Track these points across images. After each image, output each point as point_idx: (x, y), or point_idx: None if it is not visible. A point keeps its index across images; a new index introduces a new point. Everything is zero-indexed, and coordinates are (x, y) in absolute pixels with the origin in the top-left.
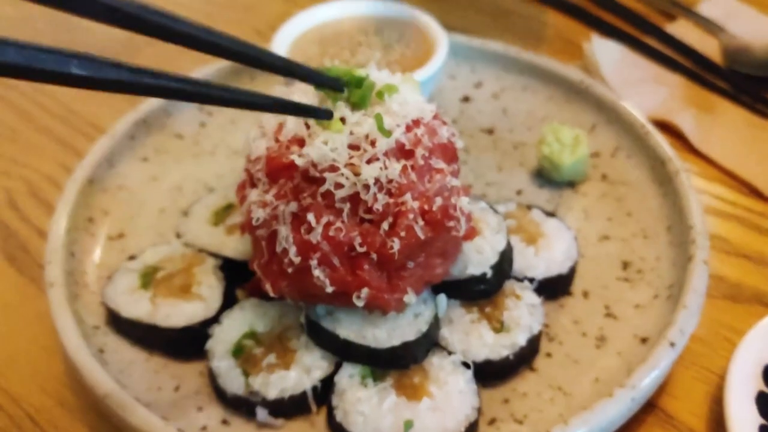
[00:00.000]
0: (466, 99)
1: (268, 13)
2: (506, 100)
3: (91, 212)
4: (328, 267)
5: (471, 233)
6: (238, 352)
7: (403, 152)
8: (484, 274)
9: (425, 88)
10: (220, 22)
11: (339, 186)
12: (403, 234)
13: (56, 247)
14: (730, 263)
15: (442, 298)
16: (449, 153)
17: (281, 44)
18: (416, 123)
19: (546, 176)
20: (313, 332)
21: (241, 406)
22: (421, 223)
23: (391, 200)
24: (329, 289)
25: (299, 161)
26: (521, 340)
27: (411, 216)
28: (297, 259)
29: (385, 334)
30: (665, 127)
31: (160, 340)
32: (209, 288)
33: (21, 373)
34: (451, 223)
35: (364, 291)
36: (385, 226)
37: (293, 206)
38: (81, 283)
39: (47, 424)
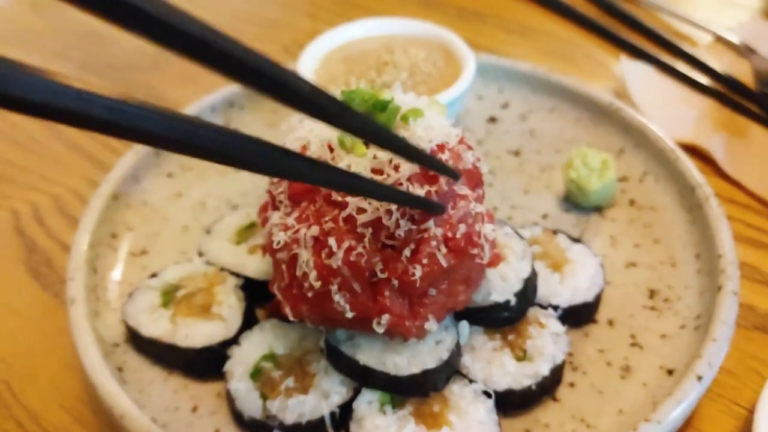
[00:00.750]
0: (492, 120)
1: (295, 30)
2: (533, 121)
3: (115, 228)
4: (349, 292)
5: (495, 260)
6: (257, 374)
7: (426, 178)
8: (507, 302)
9: (452, 108)
10: (247, 37)
11: (361, 211)
12: (425, 261)
13: (79, 262)
14: (761, 292)
15: (464, 325)
16: (474, 178)
17: (308, 63)
18: (441, 148)
19: (573, 200)
20: (333, 357)
21: (259, 429)
22: (444, 250)
23: (414, 227)
24: (349, 315)
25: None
26: (544, 369)
27: (434, 243)
28: (317, 284)
29: (405, 361)
30: (694, 152)
31: (179, 359)
32: (229, 308)
33: (41, 390)
34: (475, 251)
35: (385, 317)
36: (407, 252)
37: (314, 230)
38: (102, 299)
39: None
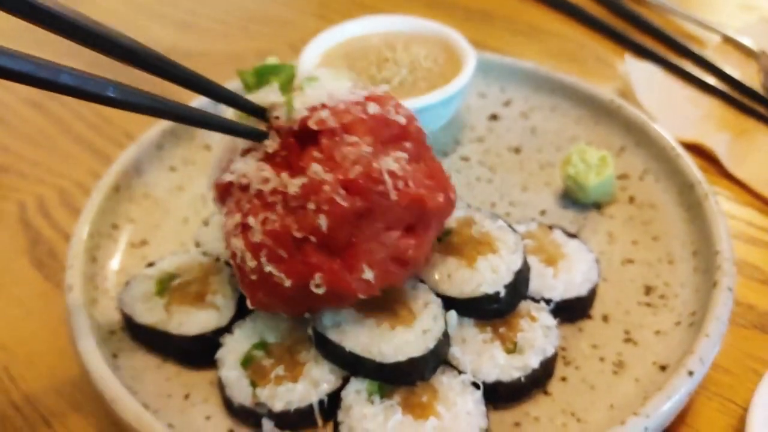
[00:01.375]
0: (494, 117)
1: (302, 28)
2: (535, 119)
3: (116, 219)
4: (278, 261)
5: (422, 199)
6: (248, 362)
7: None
8: (497, 293)
9: (451, 104)
10: (256, 36)
11: (265, 181)
12: (326, 208)
13: (78, 251)
14: (761, 291)
15: (452, 314)
16: (381, 129)
17: (309, 59)
18: (315, 108)
19: (571, 197)
20: (320, 344)
21: (248, 417)
22: (343, 192)
23: (305, 180)
24: (287, 283)
25: (230, 177)
26: (534, 362)
27: (327, 188)
28: (252, 264)
29: (391, 348)
30: (698, 151)
31: (173, 347)
32: (224, 297)
33: (39, 376)
34: (380, 188)
35: (318, 276)
36: (311, 206)
37: (237, 217)
38: (101, 288)
39: (61, 427)
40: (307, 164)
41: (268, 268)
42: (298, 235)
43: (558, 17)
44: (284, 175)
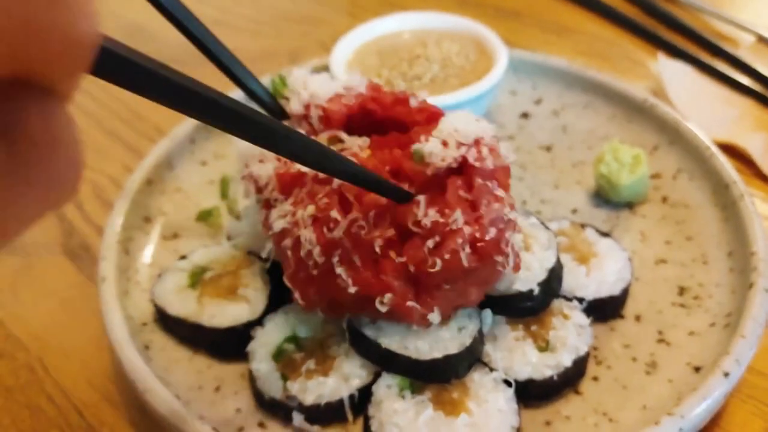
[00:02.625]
0: (525, 115)
1: (334, 26)
2: (567, 117)
3: (148, 212)
4: (351, 266)
5: (516, 268)
6: (279, 355)
7: (459, 171)
8: (530, 291)
9: (483, 101)
10: (288, 34)
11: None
12: (447, 257)
13: (111, 243)
14: None
15: (487, 312)
16: (506, 178)
17: (341, 55)
18: (477, 143)
19: (603, 196)
20: (355, 340)
21: (278, 410)
22: (469, 251)
23: (442, 219)
24: (352, 290)
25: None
26: (566, 360)
27: (459, 241)
28: (321, 259)
29: (427, 345)
30: (732, 151)
31: (204, 339)
32: (255, 291)
33: (72, 367)
34: (500, 258)
35: (387, 296)
36: (430, 243)
37: (311, 209)
38: (133, 280)
39: (92, 417)
40: (451, 203)
41: (340, 270)
42: (379, 250)
43: (589, 16)
44: (422, 199)
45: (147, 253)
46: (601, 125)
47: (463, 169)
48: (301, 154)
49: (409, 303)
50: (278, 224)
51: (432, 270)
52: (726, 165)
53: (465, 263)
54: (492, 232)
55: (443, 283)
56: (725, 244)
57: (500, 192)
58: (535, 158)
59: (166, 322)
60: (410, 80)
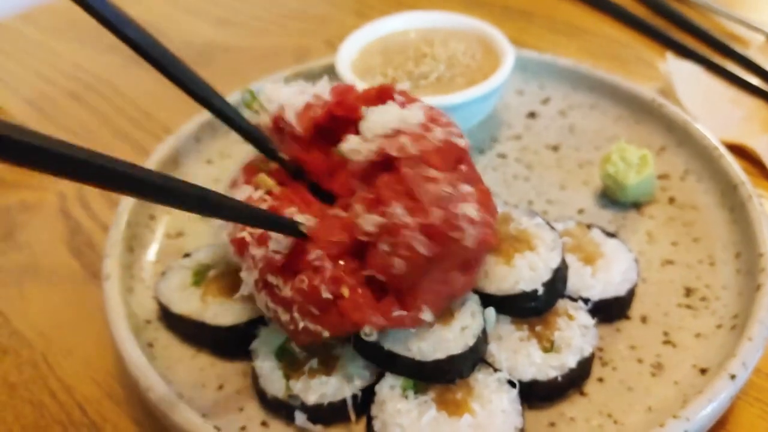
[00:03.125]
0: (532, 115)
1: (340, 25)
2: (574, 117)
3: (153, 210)
4: (311, 316)
5: (490, 240)
6: (282, 354)
7: (384, 166)
8: (535, 291)
9: (489, 101)
10: (294, 32)
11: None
12: (405, 253)
13: (116, 240)
14: None
15: (490, 311)
16: (448, 156)
17: (346, 54)
18: (396, 132)
19: (610, 196)
20: (358, 342)
21: (281, 409)
22: (422, 238)
23: (383, 219)
24: (326, 334)
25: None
26: (571, 361)
27: (408, 232)
28: (286, 317)
29: (430, 346)
30: (740, 152)
31: (208, 337)
32: None
33: (76, 364)
34: (456, 234)
35: (367, 327)
36: (384, 246)
37: (256, 274)
38: (137, 277)
39: (95, 414)
40: (385, 200)
41: (302, 324)
42: (327, 295)
43: (599, 16)
44: (359, 207)
45: (152, 251)
46: (608, 125)
47: (390, 162)
48: (185, 204)
49: (395, 313)
50: (244, 289)
51: (397, 271)
52: (734, 166)
53: (424, 251)
54: (437, 213)
55: (417, 279)
56: (733, 246)
57: (433, 172)
58: (541, 158)
59: (170, 319)
60: (416, 79)
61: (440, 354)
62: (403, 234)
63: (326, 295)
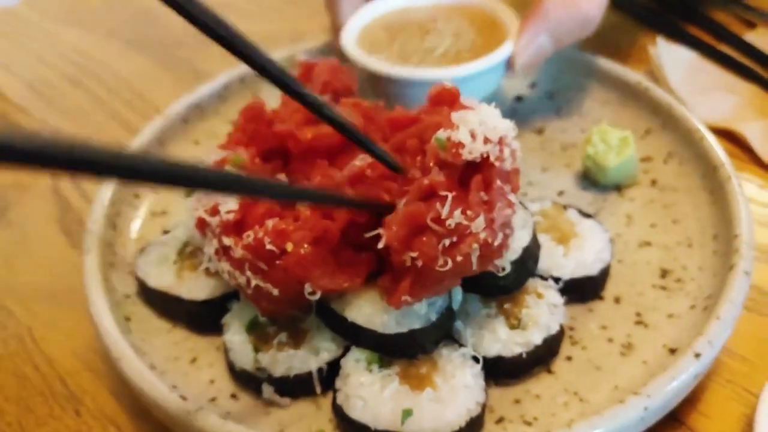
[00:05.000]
0: (519, 99)
1: None
2: (560, 100)
3: (139, 189)
4: (261, 273)
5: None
6: (252, 327)
7: (477, 168)
8: (503, 269)
9: (497, 74)
10: (291, 17)
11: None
12: (459, 259)
13: (98, 217)
14: None
15: (457, 290)
16: (517, 181)
17: (350, 33)
18: (501, 141)
19: (591, 179)
20: (322, 313)
21: (249, 381)
22: (478, 253)
23: (465, 222)
24: (275, 293)
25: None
26: (537, 338)
27: (475, 245)
28: (242, 279)
29: (393, 320)
30: (731, 137)
31: (183, 311)
32: None
33: (59, 338)
34: (499, 263)
35: (308, 285)
36: (446, 242)
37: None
38: (119, 254)
39: (75, 386)
40: (471, 205)
41: (254, 282)
42: (271, 247)
43: None
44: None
45: (134, 228)
46: (594, 108)
47: (482, 167)
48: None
49: (403, 297)
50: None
51: (439, 268)
52: (716, 147)
53: (474, 267)
54: (500, 238)
55: (441, 279)
56: (711, 228)
57: (512, 197)
58: (525, 141)
59: (147, 294)
60: (422, 54)
61: (402, 328)
62: (470, 244)
63: (270, 247)
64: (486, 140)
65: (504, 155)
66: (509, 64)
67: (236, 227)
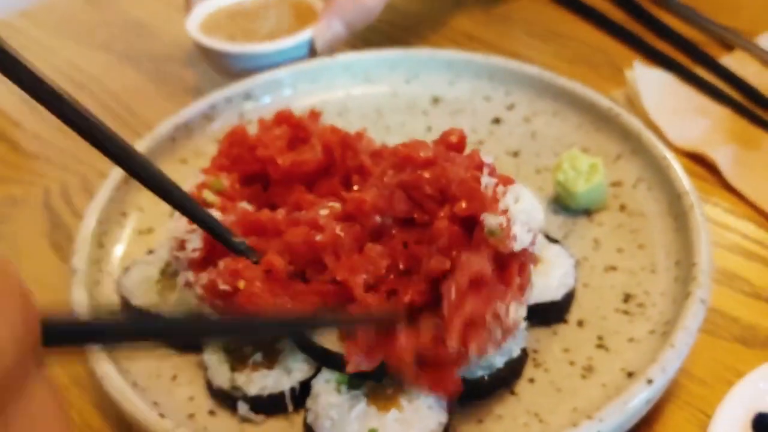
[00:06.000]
0: (497, 121)
1: None
2: (537, 124)
3: (126, 207)
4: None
5: None
6: (229, 347)
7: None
8: None
9: (299, 51)
10: None
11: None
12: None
13: (86, 236)
14: (747, 305)
15: None
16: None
17: (197, 15)
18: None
19: (561, 203)
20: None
21: (226, 399)
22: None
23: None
24: None
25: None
26: (498, 362)
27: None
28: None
29: None
30: (702, 161)
31: None
32: None
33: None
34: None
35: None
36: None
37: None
38: (105, 271)
39: (63, 400)
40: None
41: None
42: (224, 287)
43: (578, 22)
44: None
45: (120, 247)
46: (568, 133)
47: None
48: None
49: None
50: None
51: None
52: (681, 175)
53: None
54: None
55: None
56: (674, 254)
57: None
58: (501, 164)
59: (130, 312)
60: (249, 35)
61: None
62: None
63: (223, 287)
64: (529, 230)
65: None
66: (312, 45)
67: (202, 263)
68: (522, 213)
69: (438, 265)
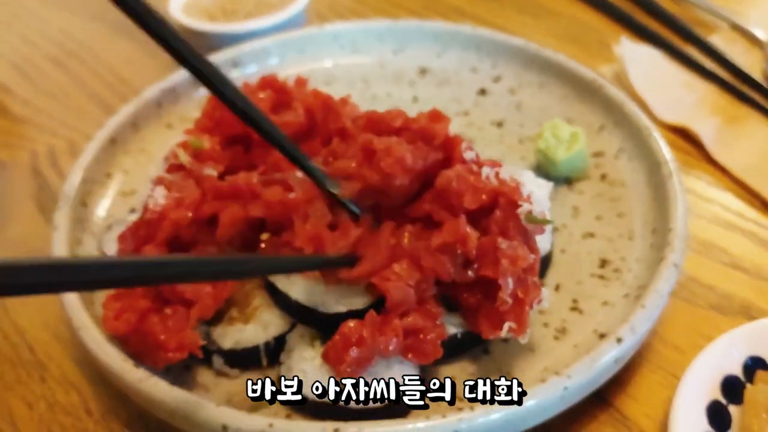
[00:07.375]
0: (482, 92)
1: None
2: (522, 95)
3: (110, 169)
4: None
5: None
6: None
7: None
8: None
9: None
10: None
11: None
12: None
13: (69, 194)
14: (724, 274)
15: None
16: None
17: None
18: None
19: (543, 171)
20: (271, 291)
21: (202, 353)
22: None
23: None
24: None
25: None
26: None
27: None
28: None
29: (333, 300)
30: (685, 135)
31: None
32: None
33: (31, 309)
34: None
35: None
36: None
37: None
38: (88, 230)
39: (42, 354)
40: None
41: None
42: None
43: None
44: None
45: (104, 206)
46: (553, 104)
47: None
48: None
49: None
50: None
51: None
52: (661, 145)
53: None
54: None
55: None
56: (651, 222)
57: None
58: (485, 134)
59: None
60: (229, 15)
61: (342, 308)
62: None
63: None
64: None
65: None
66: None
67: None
68: (539, 201)
69: (439, 265)
